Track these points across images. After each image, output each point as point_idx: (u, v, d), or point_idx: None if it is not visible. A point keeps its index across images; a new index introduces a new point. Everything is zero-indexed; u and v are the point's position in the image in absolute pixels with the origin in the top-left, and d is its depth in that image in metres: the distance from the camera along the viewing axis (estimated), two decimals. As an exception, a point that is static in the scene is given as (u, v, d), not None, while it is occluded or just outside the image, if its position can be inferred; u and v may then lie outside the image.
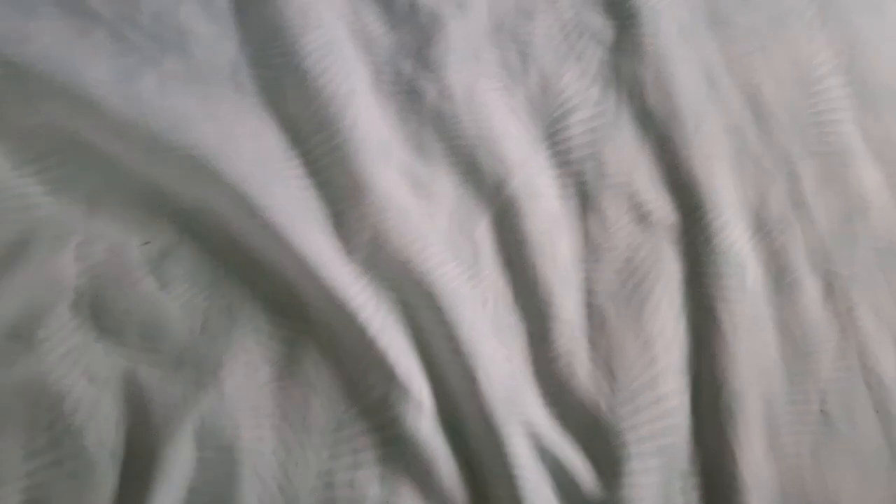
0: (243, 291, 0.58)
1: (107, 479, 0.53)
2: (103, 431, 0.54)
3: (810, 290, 0.59)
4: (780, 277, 0.60)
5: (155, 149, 0.60)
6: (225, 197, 0.59)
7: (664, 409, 0.56)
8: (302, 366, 0.57)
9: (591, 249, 0.61)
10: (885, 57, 0.67)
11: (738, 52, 0.67)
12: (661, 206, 0.62)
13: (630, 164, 0.63)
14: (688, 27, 0.67)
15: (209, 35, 0.65)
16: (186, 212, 0.60)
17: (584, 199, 0.63)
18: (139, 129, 0.60)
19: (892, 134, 0.65)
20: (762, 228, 0.61)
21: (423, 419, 0.55)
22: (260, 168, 0.60)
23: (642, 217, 0.62)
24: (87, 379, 0.55)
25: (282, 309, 0.58)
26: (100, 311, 0.57)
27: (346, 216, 0.60)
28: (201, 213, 0.60)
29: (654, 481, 0.54)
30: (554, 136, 0.65)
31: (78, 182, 0.61)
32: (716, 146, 0.63)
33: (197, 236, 0.60)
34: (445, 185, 0.63)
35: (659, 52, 0.66)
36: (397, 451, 0.55)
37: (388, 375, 0.55)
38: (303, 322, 0.58)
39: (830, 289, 0.59)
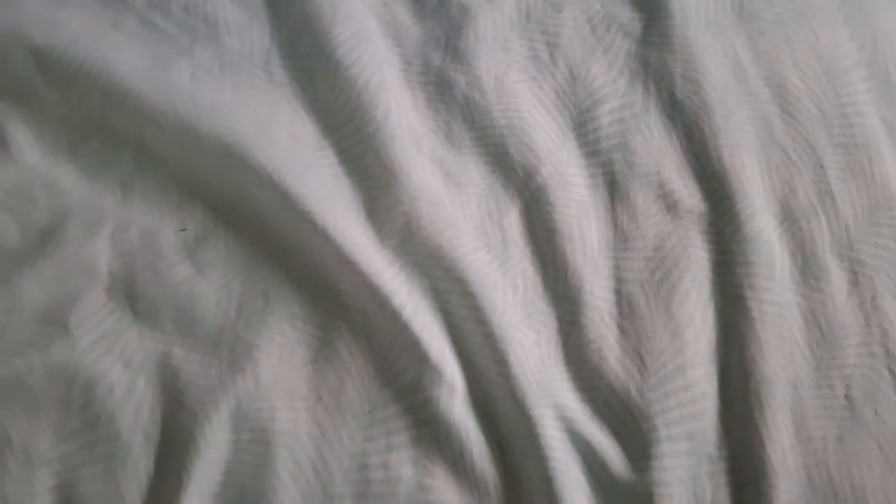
0: (278, 277, 0.59)
1: (141, 461, 0.54)
2: (137, 414, 0.55)
3: (836, 278, 0.60)
4: (806, 266, 0.60)
5: (187, 136, 0.61)
6: (259, 184, 0.60)
7: (693, 395, 0.57)
8: (336, 349, 0.57)
9: (620, 238, 0.62)
10: (906, 51, 0.68)
11: (765, 45, 0.68)
12: (690, 196, 0.63)
13: (658, 153, 0.64)
14: (714, 19, 0.68)
15: (240, 24, 0.66)
16: (220, 199, 0.61)
17: (613, 188, 0.63)
18: (171, 116, 0.61)
19: None
20: (789, 218, 0.62)
21: (455, 402, 0.56)
22: (293, 156, 0.61)
23: (671, 206, 0.62)
24: (121, 363, 0.56)
25: (316, 294, 0.59)
26: (134, 295, 0.58)
27: (379, 204, 0.61)
28: (235, 199, 0.61)
29: (683, 464, 0.55)
30: (582, 126, 0.66)
31: (111, 169, 0.62)
32: (744, 137, 0.64)
33: (231, 223, 0.61)
34: (475, 174, 0.64)
35: (687, 43, 0.67)
36: (430, 433, 0.56)
37: (421, 359, 0.56)
38: (337, 307, 0.59)
39: (855, 278, 0.60)
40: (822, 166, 0.63)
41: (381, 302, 0.57)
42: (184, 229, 0.60)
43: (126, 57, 0.63)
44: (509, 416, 0.56)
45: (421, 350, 0.56)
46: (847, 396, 0.57)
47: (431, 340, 0.57)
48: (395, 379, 0.57)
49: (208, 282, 0.59)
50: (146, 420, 0.55)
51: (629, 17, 0.69)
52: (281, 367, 0.57)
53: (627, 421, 0.57)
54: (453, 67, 0.66)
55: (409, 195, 0.60)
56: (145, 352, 0.57)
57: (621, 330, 0.59)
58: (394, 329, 0.57)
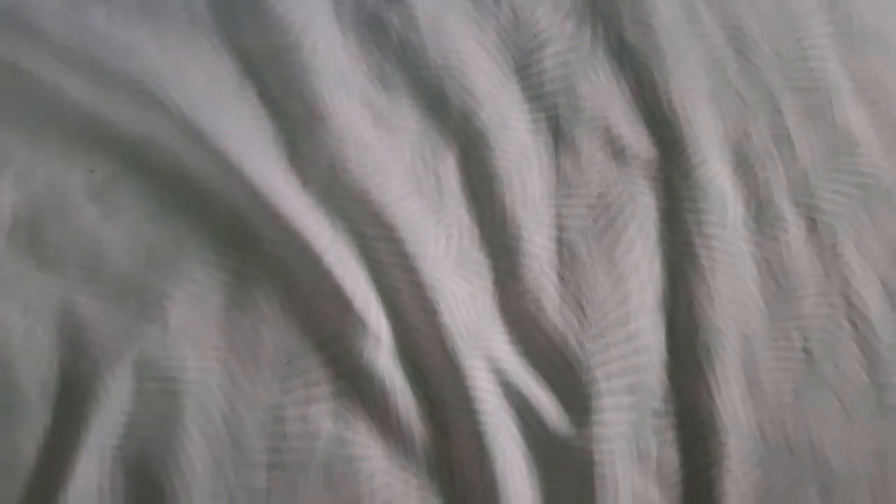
0: (191, 222, 0.57)
1: (39, 413, 0.51)
2: (36, 364, 0.53)
3: (793, 226, 0.58)
4: (761, 213, 0.59)
5: (101, 78, 0.60)
6: (173, 126, 0.58)
7: (637, 346, 0.55)
8: (252, 297, 0.55)
9: (563, 185, 0.60)
10: (869, -3, 0.66)
11: (721, -14, 0.65)
12: (638, 141, 0.61)
13: (606, 98, 0.62)
14: (668, -40, 0.66)
15: (163, -35, 0.64)
16: (133, 141, 0.59)
17: (557, 133, 0.62)
18: (84, 58, 0.60)
19: (878, 73, 0.64)
20: (743, 163, 0.60)
21: (380, 353, 0.53)
22: (211, 98, 0.60)
23: (618, 152, 0.61)
24: (20, 309, 0.54)
25: (232, 240, 0.57)
26: (38, 240, 0.56)
27: (303, 146, 0.60)
28: (149, 142, 0.59)
29: (625, 418, 0.53)
30: (525, 69, 0.64)
31: (19, 112, 0.60)
32: (696, 80, 0.62)
33: (143, 166, 0.59)
34: (409, 118, 0.62)
35: (637, -15, 0.64)
36: (352, 385, 0.53)
37: (343, 307, 0.54)
38: (254, 253, 0.57)
39: (813, 225, 0.58)
40: (779, 111, 0.62)
41: (302, 247, 0.55)
42: (92, 171, 0.58)
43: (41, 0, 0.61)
44: (438, 367, 0.53)
45: (343, 298, 0.54)
46: (805, 349, 0.55)
47: (355, 288, 0.55)
48: (315, 329, 0.54)
49: (117, 226, 0.57)
50: (45, 369, 0.52)
51: (578, -43, 0.67)
52: (192, 316, 0.54)
53: (566, 373, 0.54)
54: (387, 7, 0.65)
55: (335, 137, 0.59)
56: (47, 298, 0.54)
57: (561, 279, 0.57)
58: (315, 276, 0.55)
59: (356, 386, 0.53)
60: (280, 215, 0.55)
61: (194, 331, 0.54)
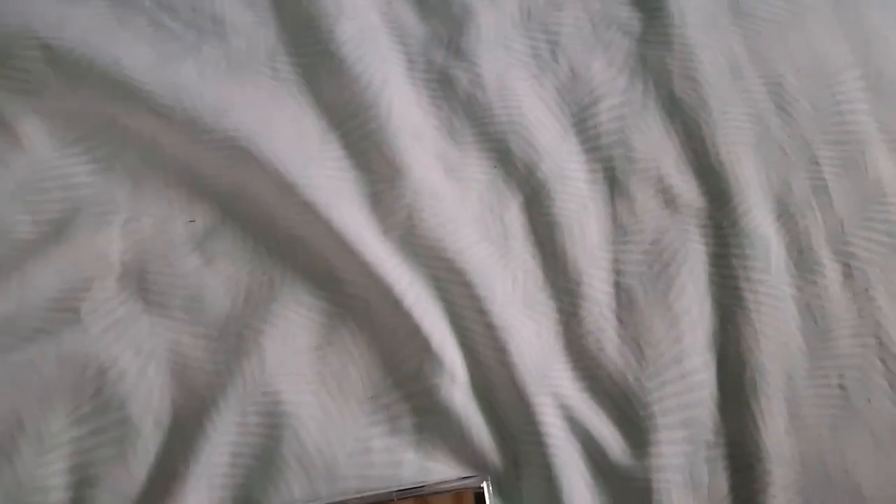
0: (283, 267, 0.62)
1: (150, 444, 0.57)
2: (148, 399, 0.58)
3: (830, 271, 0.63)
4: (801, 260, 0.63)
5: (195, 132, 0.64)
6: (265, 178, 0.62)
7: (690, 383, 0.60)
8: (340, 335, 0.61)
9: (619, 231, 0.65)
10: (899, 51, 0.71)
11: (761, 44, 0.70)
12: (689, 190, 0.65)
13: (657, 149, 0.67)
14: (712, 19, 0.71)
15: (246, 23, 0.69)
16: (228, 192, 0.64)
17: (613, 183, 0.66)
18: (178, 112, 0.63)
19: None
20: (785, 212, 0.64)
21: (456, 390, 0.59)
22: (298, 150, 0.64)
23: (669, 201, 0.65)
24: (132, 349, 0.59)
25: (320, 283, 0.62)
26: (145, 285, 0.61)
27: (383, 197, 0.64)
28: (242, 192, 0.64)
29: (680, 450, 0.58)
30: (583, 122, 0.68)
31: (121, 162, 0.65)
32: (741, 133, 0.67)
33: (239, 216, 0.64)
34: (477, 169, 0.67)
35: (685, 42, 0.70)
36: (432, 420, 0.59)
37: (422, 347, 0.59)
38: (340, 295, 0.62)
39: (849, 270, 0.63)
40: (816, 162, 0.66)
41: (384, 291, 0.60)
42: (193, 221, 0.63)
43: (134, 54, 0.66)
44: (509, 403, 0.59)
45: (422, 338, 0.59)
46: (840, 386, 0.60)
47: (433, 329, 0.60)
48: (397, 366, 0.60)
49: (216, 272, 0.62)
50: (156, 405, 0.58)
51: (628, 17, 0.72)
52: (286, 352, 0.60)
53: (626, 409, 0.60)
54: (456, 65, 0.69)
55: (412, 189, 0.63)
56: (156, 339, 0.60)
57: (620, 321, 0.62)
58: (396, 318, 0.60)
59: (435, 421, 0.59)
60: (364, 262, 0.60)
61: (288, 367, 0.59)
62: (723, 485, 0.58)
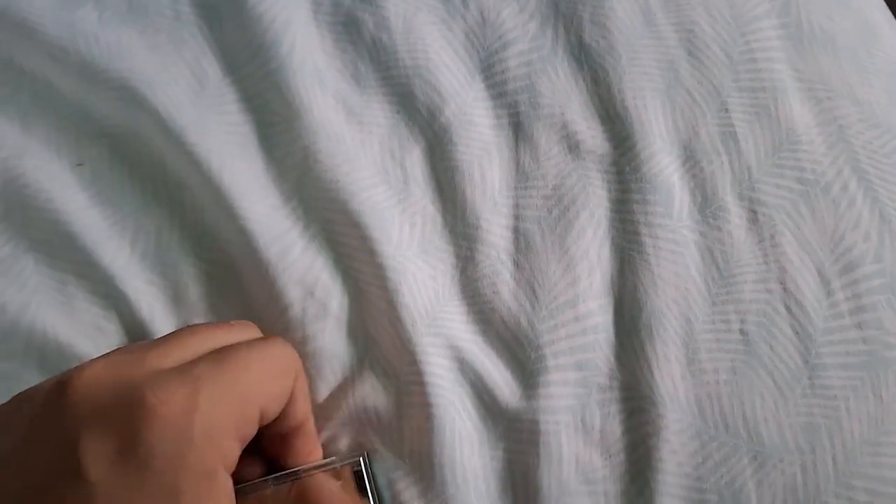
0: (171, 217, 0.64)
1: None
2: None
3: (735, 217, 0.64)
4: (705, 205, 0.64)
5: (87, 74, 0.64)
6: (155, 123, 0.63)
7: (584, 326, 0.60)
8: (228, 286, 0.62)
9: (521, 177, 0.66)
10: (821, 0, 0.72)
11: (675, -8, 0.71)
12: (592, 137, 0.66)
13: (563, 96, 0.68)
14: (626, -35, 0.72)
15: (149, -34, 0.70)
16: (118, 136, 0.65)
17: (517, 129, 0.67)
18: (73, 54, 0.64)
19: (825, 74, 0.69)
20: (691, 158, 0.65)
21: (339, 333, 0.60)
22: (193, 96, 0.65)
23: (573, 147, 0.66)
24: (16, 287, 0.60)
25: (209, 231, 0.63)
26: (29, 222, 0.62)
27: (279, 139, 0.65)
28: (133, 138, 0.65)
29: (571, 392, 0.59)
30: (490, 68, 0.69)
31: (11, 104, 0.66)
32: (649, 80, 0.68)
33: (127, 160, 0.65)
34: (379, 114, 0.67)
35: (597, -11, 0.70)
36: (313, 364, 0.60)
37: (307, 291, 0.60)
38: (229, 243, 0.63)
39: (755, 216, 0.63)
40: (726, 109, 0.67)
41: (253, 251, 0.62)
42: (81, 164, 0.64)
43: (32, -1, 0.66)
44: (395, 344, 0.59)
45: (308, 283, 0.61)
46: (742, 331, 0.61)
47: (321, 272, 0.61)
48: (282, 313, 0.61)
49: (103, 216, 0.63)
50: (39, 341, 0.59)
51: (540, -37, 0.72)
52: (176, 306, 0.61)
53: (518, 352, 0.60)
54: (362, 8, 0.70)
55: (310, 130, 0.64)
56: (41, 277, 0.61)
57: (516, 265, 0.63)
58: (262, 280, 0.61)
59: (316, 364, 0.60)
60: (243, 228, 0.62)
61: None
62: (616, 428, 0.59)
